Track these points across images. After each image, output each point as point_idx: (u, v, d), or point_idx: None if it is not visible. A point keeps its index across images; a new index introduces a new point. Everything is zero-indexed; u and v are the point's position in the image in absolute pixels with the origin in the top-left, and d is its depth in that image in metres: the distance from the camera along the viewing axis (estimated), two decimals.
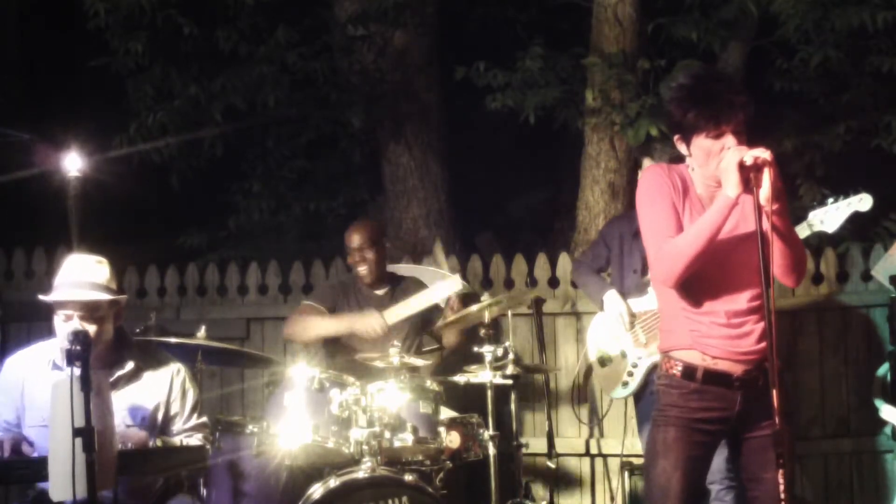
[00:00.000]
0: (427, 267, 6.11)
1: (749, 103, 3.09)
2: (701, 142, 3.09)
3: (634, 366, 4.81)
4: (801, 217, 4.79)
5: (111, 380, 3.63)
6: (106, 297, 3.61)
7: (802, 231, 4.66)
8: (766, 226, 2.97)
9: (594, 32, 6.42)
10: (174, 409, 3.78)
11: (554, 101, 6.53)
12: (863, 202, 4.65)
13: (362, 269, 5.12)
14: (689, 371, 3.19)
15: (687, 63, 5.95)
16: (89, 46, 6.93)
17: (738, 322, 3.15)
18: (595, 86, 6.21)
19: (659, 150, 4.66)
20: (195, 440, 3.78)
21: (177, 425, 3.79)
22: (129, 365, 3.71)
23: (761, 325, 3.10)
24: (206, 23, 6.87)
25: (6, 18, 9.10)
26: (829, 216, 4.68)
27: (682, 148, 3.18)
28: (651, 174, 3.25)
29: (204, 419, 3.90)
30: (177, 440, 3.72)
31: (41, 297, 3.63)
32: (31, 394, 3.61)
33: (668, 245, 3.09)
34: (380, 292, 5.17)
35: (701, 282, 3.16)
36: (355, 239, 5.13)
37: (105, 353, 3.66)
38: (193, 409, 3.83)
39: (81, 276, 3.63)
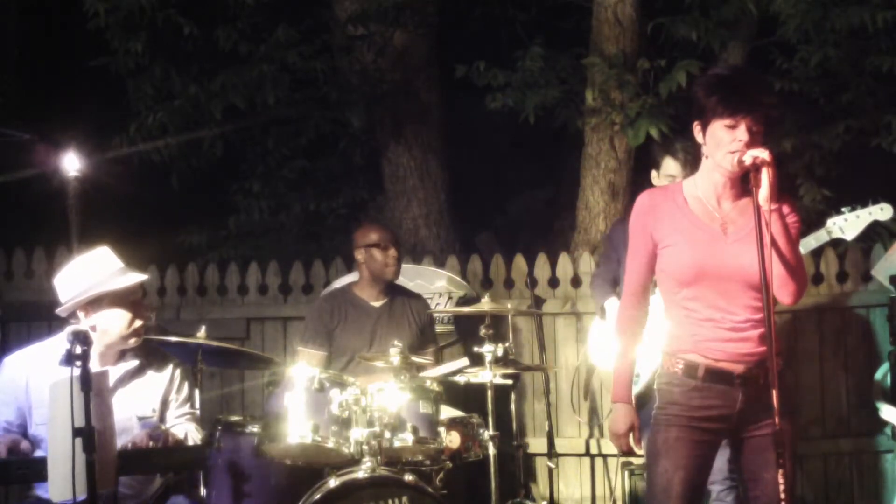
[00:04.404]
0: (427, 267, 6.11)
1: (774, 107, 3.12)
2: (716, 129, 3.12)
3: (639, 367, 4.80)
4: (804, 218, 4.78)
5: (119, 375, 3.70)
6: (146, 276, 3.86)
7: (821, 237, 4.68)
8: (767, 230, 2.99)
9: (594, 32, 6.41)
10: (171, 398, 3.85)
11: (554, 101, 6.53)
12: (884, 212, 4.65)
13: (391, 267, 5.06)
14: (690, 368, 3.19)
15: (687, 63, 5.94)
16: (89, 46, 6.92)
17: (739, 328, 3.16)
18: (595, 86, 6.20)
19: (679, 148, 4.58)
20: (190, 430, 3.82)
21: (169, 413, 3.85)
22: (135, 361, 3.77)
23: (760, 329, 3.11)
24: (206, 23, 6.86)
25: (6, 18, 9.09)
26: (849, 224, 4.68)
27: (698, 136, 3.21)
28: (635, 209, 3.32)
29: (195, 410, 3.96)
30: (171, 428, 3.76)
31: (111, 287, 3.63)
32: (37, 391, 3.59)
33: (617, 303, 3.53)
34: (377, 304, 5.14)
35: (703, 290, 3.18)
36: (380, 235, 5.09)
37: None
38: (186, 400, 3.91)
39: (119, 262, 3.76)
